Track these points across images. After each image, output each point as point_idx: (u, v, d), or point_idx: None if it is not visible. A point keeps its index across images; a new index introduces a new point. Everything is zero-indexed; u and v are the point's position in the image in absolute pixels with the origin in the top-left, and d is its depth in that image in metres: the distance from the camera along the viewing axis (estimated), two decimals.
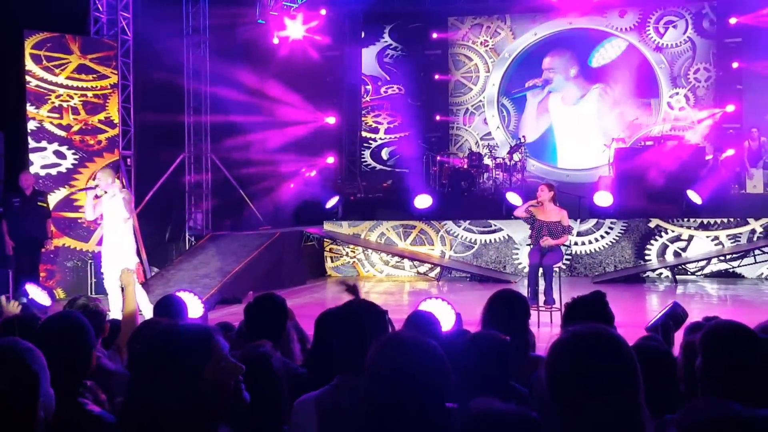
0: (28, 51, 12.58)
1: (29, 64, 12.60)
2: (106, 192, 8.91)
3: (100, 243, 10.25)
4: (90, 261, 12.83)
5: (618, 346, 1.91)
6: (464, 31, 19.86)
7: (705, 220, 14.16)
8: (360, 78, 20.22)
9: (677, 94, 18.44)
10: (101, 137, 13.19)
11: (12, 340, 2.20)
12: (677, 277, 13.92)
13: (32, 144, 12.58)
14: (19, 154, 12.54)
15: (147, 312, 8.23)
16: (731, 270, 14.07)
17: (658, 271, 14.21)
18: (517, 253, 14.86)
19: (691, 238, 14.22)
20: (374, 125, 20.22)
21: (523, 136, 17.79)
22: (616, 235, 14.54)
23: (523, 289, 9.79)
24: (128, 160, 13.63)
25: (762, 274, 13.94)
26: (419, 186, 15.93)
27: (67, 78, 12.91)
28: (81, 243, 12.87)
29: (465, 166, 16.92)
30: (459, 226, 15.24)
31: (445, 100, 19.93)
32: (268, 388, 2.74)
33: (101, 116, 13.23)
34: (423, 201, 15.25)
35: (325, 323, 3.77)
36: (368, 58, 20.29)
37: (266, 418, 2.69)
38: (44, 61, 12.72)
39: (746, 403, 2.26)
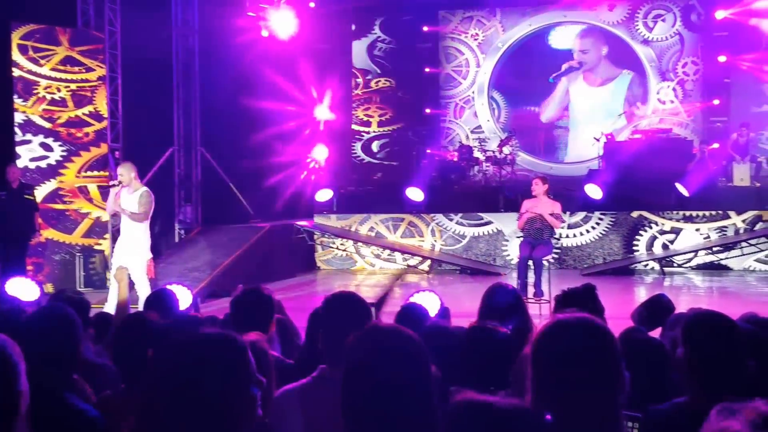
0: (15, 42, 12.52)
1: (15, 55, 12.54)
2: (126, 186, 8.87)
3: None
4: (78, 254, 12.79)
5: (602, 336, 1.92)
6: (455, 24, 19.85)
7: (692, 213, 14.24)
8: (350, 71, 20.18)
9: (666, 87, 18.48)
10: (89, 130, 13.14)
11: None
12: (665, 269, 13.99)
13: (19, 137, 12.53)
14: (6, 146, 12.47)
15: None
16: (718, 262, 14.15)
17: (646, 264, 14.28)
18: (506, 246, 14.90)
19: (678, 230, 14.31)
20: (365, 118, 20.20)
21: (512, 130, 17.83)
22: (605, 228, 14.60)
23: (513, 282, 9.86)
24: (116, 152, 13.56)
25: (748, 266, 14.02)
26: (409, 179, 15.94)
27: (52, 69, 12.84)
28: (65, 235, 12.81)
29: (455, 159, 16.94)
30: (451, 220, 15.27)
31: (435, 93, 19.93)
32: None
33: (89, 109, 13.17)
34: (414, 193, 15.26)
35: (315, 318, 3.78)
36: (359, 51, 20.26)
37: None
38: (30, 52, 12.66)
39: (729, 394, 2.27)
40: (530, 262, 9.85)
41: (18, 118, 12.55)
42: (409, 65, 19.58)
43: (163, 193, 15.22)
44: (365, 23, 20.18)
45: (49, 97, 12.80)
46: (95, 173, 13.09)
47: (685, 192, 14.14)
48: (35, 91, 12.70)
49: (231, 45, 15.60)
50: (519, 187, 14.62)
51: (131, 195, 8.81)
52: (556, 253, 13.78)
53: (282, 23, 16.70)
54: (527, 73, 19.31)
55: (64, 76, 12.96)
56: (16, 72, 12.55)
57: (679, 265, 14.29)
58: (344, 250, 15.74)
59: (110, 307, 8.21)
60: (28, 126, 12.64)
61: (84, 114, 13.12)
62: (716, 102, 17.77)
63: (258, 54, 15.95)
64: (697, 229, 14.21)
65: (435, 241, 15.35)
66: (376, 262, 15.58)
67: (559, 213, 10.10)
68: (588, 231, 14.67)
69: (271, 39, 16.60)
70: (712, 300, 11.05)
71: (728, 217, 14.04)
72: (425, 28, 19.75)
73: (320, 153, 18.08)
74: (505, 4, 19.38)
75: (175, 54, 15.59)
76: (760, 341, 2.74)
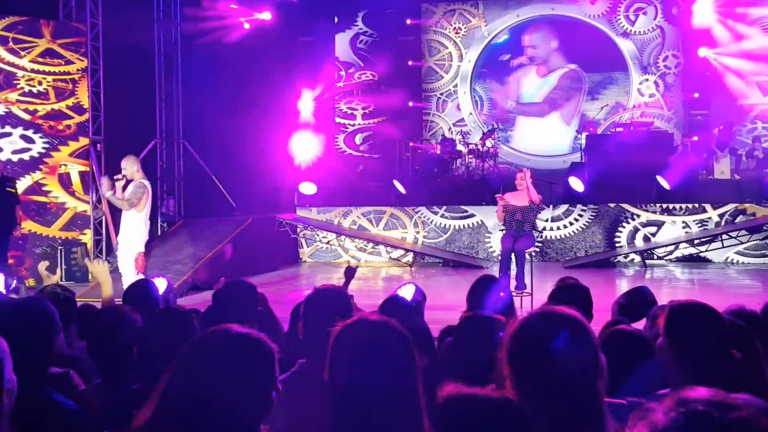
0: None
1: None
2: (130, 180, 8.87)
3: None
4: (60, 247, 12.72)
5: (579, 324, 1.93)
6: (438, 18, 19.84)
7: (672, 206, 14.34)
8: (334, 64, 20.14)
9: (647, 80, 18.55)
10: (70, 122, 13.06)
11: None
12: (646, 261, 14.08)
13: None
14: None
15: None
16: (699, 254, 14.26)
17: (627, 256, 14.37)
18: (489, 239, 14.95)
19: (660, 223, 14.40)
20: (349, 111, 20.17)
21: (496, 122, 17.86)
22: (587, 221, 14.67)
23: (496, 274, 9.88)
24: (98, 145, 13.50)
25: (728, 258, 14.14)
26: (392, 172, 15.95)
27: (31, 61, 12.75)
28: (44, 228, 12.73)
29: (438, 152, 16.96)
30: (436, 214, 15.28)
31: (418, 87, 19.92)
32: None
33: (71, 101, 13.09)
34: (399, 186, 15.35)
35: (297, 312, 3.78)
36: (342, 43, 20.21)
37: None
38: (11, 43, 12.56)
39: (713, 385, 2.29)
40: (513, 255, 9.89)
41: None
42: (392, 58, 19.54)
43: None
44: (348, 16, 20.12)
45: (27, 89, 12.70)
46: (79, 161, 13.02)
47: (666, 185, 14.23)
48: (15, 83, 12.60)
49: (213, 37, 15.54)
50: (500, 180, 14.68)
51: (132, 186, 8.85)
52: (538, 245, 13.85)
53: (264, 16, 16.66)
54: (508, 64, 19.36)
55: (44, 68, 12.86)
56: None
57: (660, 258, 14.39)
58: (328, 243, 15.74)
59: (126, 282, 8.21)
60: (9, 118, 12.54)
61: (65, 107, 13.04)
62: (696, 95, 17.86)
63: (240, 46, 15.89)
64: (674, 222, 14.31)
65: (418, 233, 15.37)
66: (360, 255, 15.58)
67: (536, 194, 9.97)
68: (570, 224, 14.74)
69: (253, 31, 16.55)
70: (692, 292, 11.13)
71: (714, 208, 14.15)
72: (408, 21, 19.73)
73: (303, 145, 18.03)
74: None
75: (157, 46, 15.52)
76: (743, 333, 2.76)
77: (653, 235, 14.40)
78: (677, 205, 14.33)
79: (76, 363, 3.38)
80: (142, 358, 2.86)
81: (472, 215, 15.12)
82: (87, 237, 13.01)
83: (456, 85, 19.74)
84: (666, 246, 14.26)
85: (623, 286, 11.95)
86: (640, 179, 14.44)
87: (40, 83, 12.78)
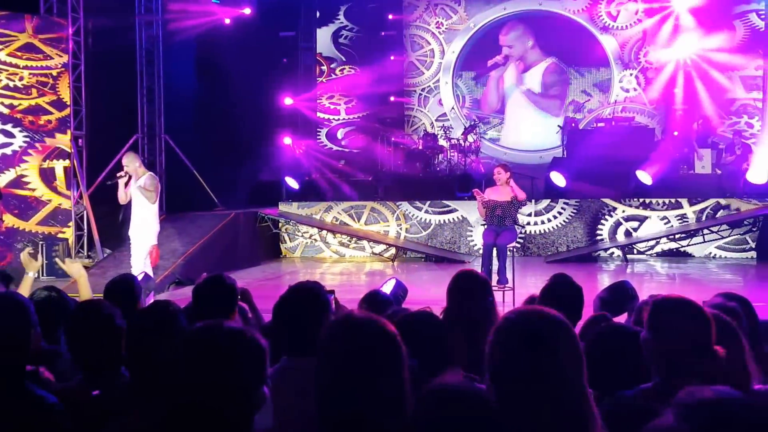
0: None
1: None
2: (131, 176, 8.82)
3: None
4: (41, 242, 12.63)
5: (557, 321, 1.94)
6: (419, 12, 19.84)
7: (653, 200, 14.42)
8: (315, 58, 20.11)
9: (629, 75, 18.64)
10: (51, 117, 12.96)
11: None
12: (628, 256, 14.17)
13: None
14: None
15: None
16: (680, 249, 14.36)
17: (609, 251, 14.45)
18: (471, 234, 14.98)
19: (641, 218, 14.48)
20: (330, 106, 20.15)
21: (476, 117, 17.90)
22: (569, 216, 14.73)
23: (478, 269, 9.90)
24: (80, 140, 13.41)
25: (710, 252, 14.25)
26: (373, 167, 15.95)
27: (9, 55, 12.63)
28: (22, 222, 12.64)
29: (420, 147, 16.97)
30: (420, 210, 15.28)
31: (400, 82, 19.91)
32: None
33: (52, 97, 12.99)
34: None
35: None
36: (323, 38, 20.18)
37: None
38: None
39: (696, 379, 2.31)
40: (494, 250, 9.91)
41: None
42: (374, 53, 19.53)
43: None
44: (330, 10, 20.11)
45: (5, 82, 12.59)
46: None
47: (647, 180, 14.31)
48: None
49: (194, 32, 15.48)
50: (483, 174, 14.73)
51: (136, 182, 8.79)
52: (520, 240, 13.88)
53: (245, 10, 16.60)
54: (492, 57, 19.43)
55: (21, 62, 12.75)
56: None
57: (642, 252, 14.48)
58: (310, 237, 15.72)
59: (136, 271, 8.15)
60: None
61: (46, 102, 12.93)
62: (677, 91, 17.96)
63: (222, 41, 15.85)
64: (657, 216, 14.39)
65: (400, 227, 15.38)
66: (343, 250, 15.57)
67: (522, 193, 10.02)
68: (552, 219, 14.79)
69: (234, 26, 16.50)
70: (673, 286, 11.21)
71: (695, 203, 14.24)
72: (390, 16, 19.72)
73: (285, 140, 18.00)
74: None
75: (139, 41, 15.44)
76: (726, 326, 2.77)
77: (635, 229, 14.47)
78: (659, 200, 14.40)
79: (56, 358, 3.36)
80: (127, 353, 2.85)
81: (454, 210, 15.14)
82: (69, 232, 12.92)
83: (437, 81, 19.75)
84: (647, 241, 14.34)
85: (605, 280, 12.02)
86: (622, 174, 14.52)
87: (21, 78, 12.68)
